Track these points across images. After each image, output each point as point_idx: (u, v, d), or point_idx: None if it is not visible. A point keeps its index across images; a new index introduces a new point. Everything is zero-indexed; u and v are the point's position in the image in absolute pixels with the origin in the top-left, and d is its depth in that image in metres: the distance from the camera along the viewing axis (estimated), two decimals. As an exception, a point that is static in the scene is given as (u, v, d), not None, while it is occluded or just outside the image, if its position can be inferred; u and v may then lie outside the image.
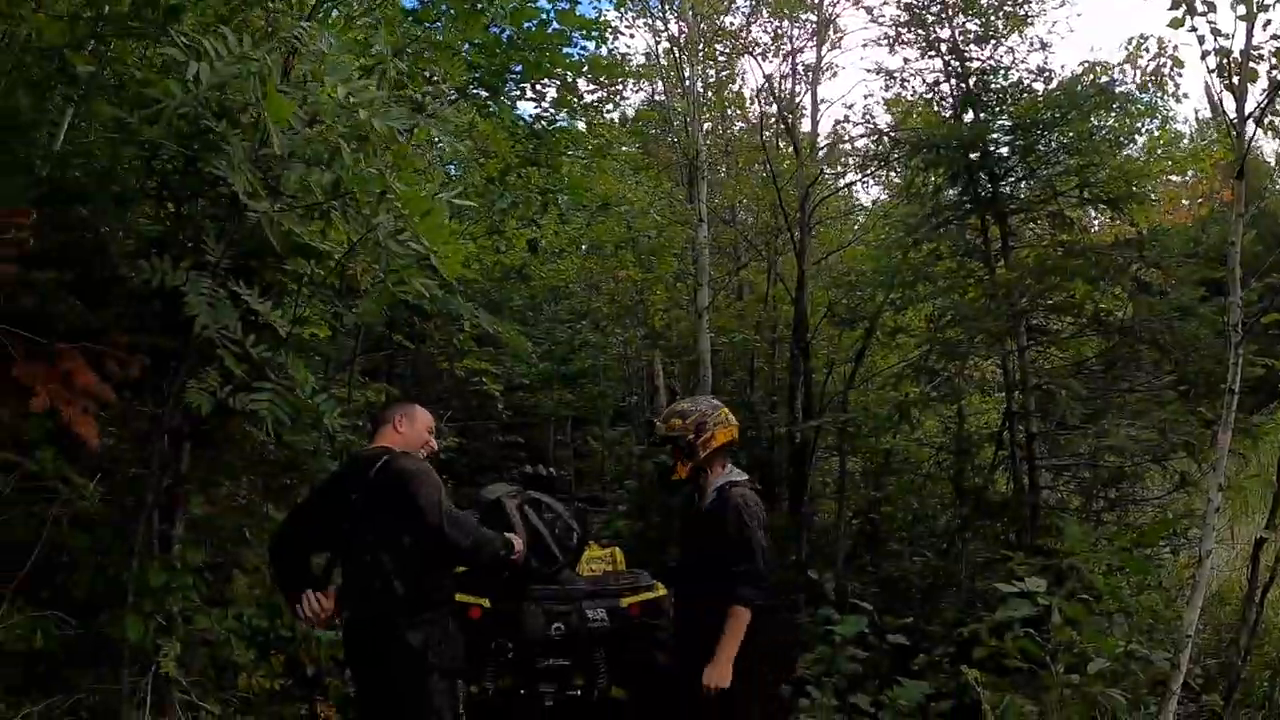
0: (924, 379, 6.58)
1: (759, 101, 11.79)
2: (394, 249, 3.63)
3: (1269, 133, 4.33)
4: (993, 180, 6.61)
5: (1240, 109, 4.07)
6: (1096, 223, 8.25)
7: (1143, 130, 7.21)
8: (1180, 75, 6.78)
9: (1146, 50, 6.72)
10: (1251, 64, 4.07)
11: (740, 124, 13.22)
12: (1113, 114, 6.59)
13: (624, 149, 11.03)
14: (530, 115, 7.73)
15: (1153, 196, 7.38)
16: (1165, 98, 6.92)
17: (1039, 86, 6.82)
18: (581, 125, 8.70)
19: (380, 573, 3.87)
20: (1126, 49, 6.50)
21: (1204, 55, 4.12)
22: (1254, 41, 4.04)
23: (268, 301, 3.98)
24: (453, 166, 7.41)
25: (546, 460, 9.15)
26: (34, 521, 4.18)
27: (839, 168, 10.47)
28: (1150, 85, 6.64)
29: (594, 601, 4.91)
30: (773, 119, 11.36)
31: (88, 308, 4.31)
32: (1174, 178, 8.88)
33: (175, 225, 4.42)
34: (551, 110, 7.70)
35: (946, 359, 6.50)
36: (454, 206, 3.85)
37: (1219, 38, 4.05)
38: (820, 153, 10.67)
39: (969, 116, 6.86)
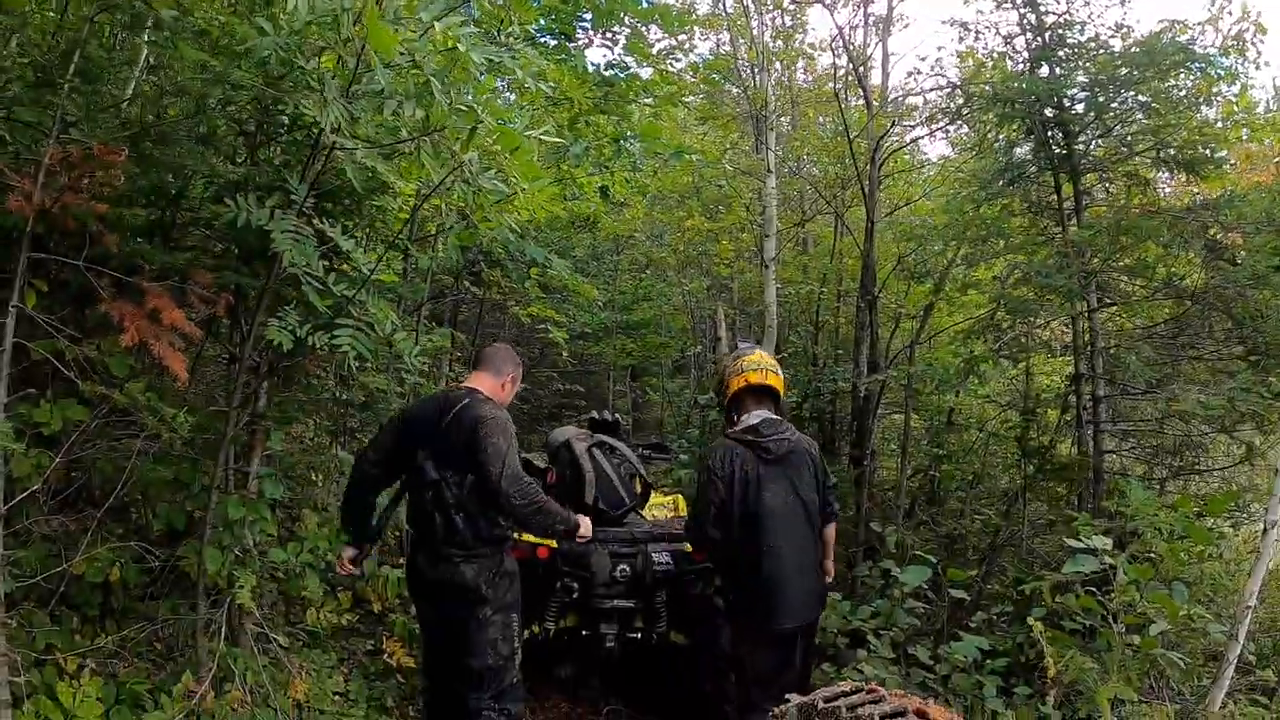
0: (991, 337, 6.53)
1: (831, 51, 11.63)
2: (484, 186, 3.67)
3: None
4: (1067, 137, 6.49)
5: None
6: (1169, 186, 8.06)
7: (1221, 96, 6.97)
8: (1262, 41, 6.60)
9: (1229, 13, 6.54)
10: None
11: (806, 76, 13.07)
12: (1192, 75, 6.40)
13: (691, 99, 10.94)
14: (601, 64, 7.74)
15: (1230, 161, 7.18)
16: (1246, 63, 6.71)
17: (1116, 43, 6.65)
18: (648, 74, 8.67)
19: (441, 508, 4.04)
20: (1209, 10, 6.32)
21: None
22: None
23: (349, 239, 4.07)
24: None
25: (608, 408, 9.26)
26: (117, 456, 4.34)
27: (910, 121, 10.32)
28: (1231, 49, 6.46)
29: (659, 546, 5.02)
30: (843, 70, 11.22)
31: (172, 248, 4.46)
32: (1252, 146, 8.57)
33: (254, 168, 4.53)
34: (623, 57, 7.69)
35: (1015, 317, 6.45)
36: (541, 144, 3.89)
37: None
38: (890, 105, 10.53)
39: (1044, 71, 6.72)
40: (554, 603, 5.03)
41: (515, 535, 4.37)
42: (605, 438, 5.36)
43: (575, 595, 5.00)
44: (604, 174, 6.75)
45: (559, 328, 9.46)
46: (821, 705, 3.36)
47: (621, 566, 4.94)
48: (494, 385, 4.22)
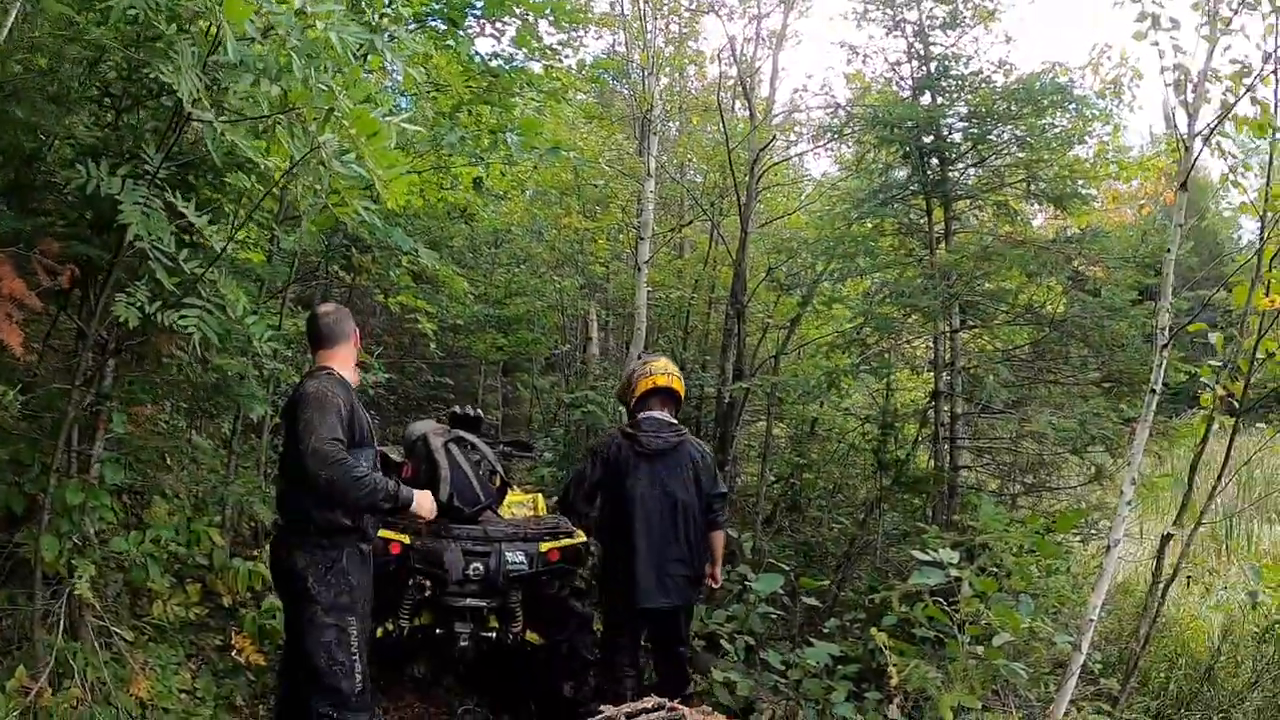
0: (855, 351, 6.68)
1: (719, 61, 11.74)
2: (337, 169, 3.53)
3: (1215, 152, 4.50)
4: (942, 164, 6.71)
5: (1191, 126, 4.23)
6: (1040, 217, 8.42)
7: (1095, 135, 7.34)
8: (1138, 87, 6.95)
9: (1108, 58, 6.85)
10: (1207, 84, 4.21)
11: (696, 83, 13.17)
12: (1068, 114, 6.69)
13: (579, 97, 10.88)
14: (487, 54, 7.60)
15: (1097, 199, 7.55)
16: (1121, 106, 7.06)
17: (998, 79, 6.91)
18: (538, 68, 8.58)
19: (280, 490, 3.97)
20: (1090, 55, 6.62)
21: (1163, 70, 4.30)
22: (1213, 64, 4.20)
23: (204, 216, 3.87)
24: (404, 100, 7.26)
25: (475, 403, 9.13)
26: (-53, 434, 4.04)
27: (792, 135, 10.50)
28: (1108, 93, 6.78)
29: (514, 545, 4.94)
30: (731, 80, 11.34)
31: (19, 213, 4.17)
32: (1120, 185, 9.06)
33: (115, 134, 4.27)
34: (509, 49, 7.58)
35: (879, 333, 6.61)
36: (402, 132, 3.78)
37: (1180, 55, 4.23)
38: (775, 119, 10.69)
39: (926, 99, 6.92)
40: (407, 600, 4.90)
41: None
42: (464, 433, 5.25)
43: (428, 593, 4.89)
44: (480, 165, 6.61)
45: (429, 319, 9.26)
46: (621, 721, 3.38)
47: (475, 565, 4.84)
48: (346, 354, 4.08)
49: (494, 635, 5.05)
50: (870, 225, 6.95)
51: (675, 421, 5.28)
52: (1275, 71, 4.24)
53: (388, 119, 3.55)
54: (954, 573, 4.45)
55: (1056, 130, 6.65)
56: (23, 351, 3.62)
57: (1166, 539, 4.92)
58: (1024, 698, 4.87)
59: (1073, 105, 6.57)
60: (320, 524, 3.82)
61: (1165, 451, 5.88)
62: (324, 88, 3.33)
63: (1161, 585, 4.96)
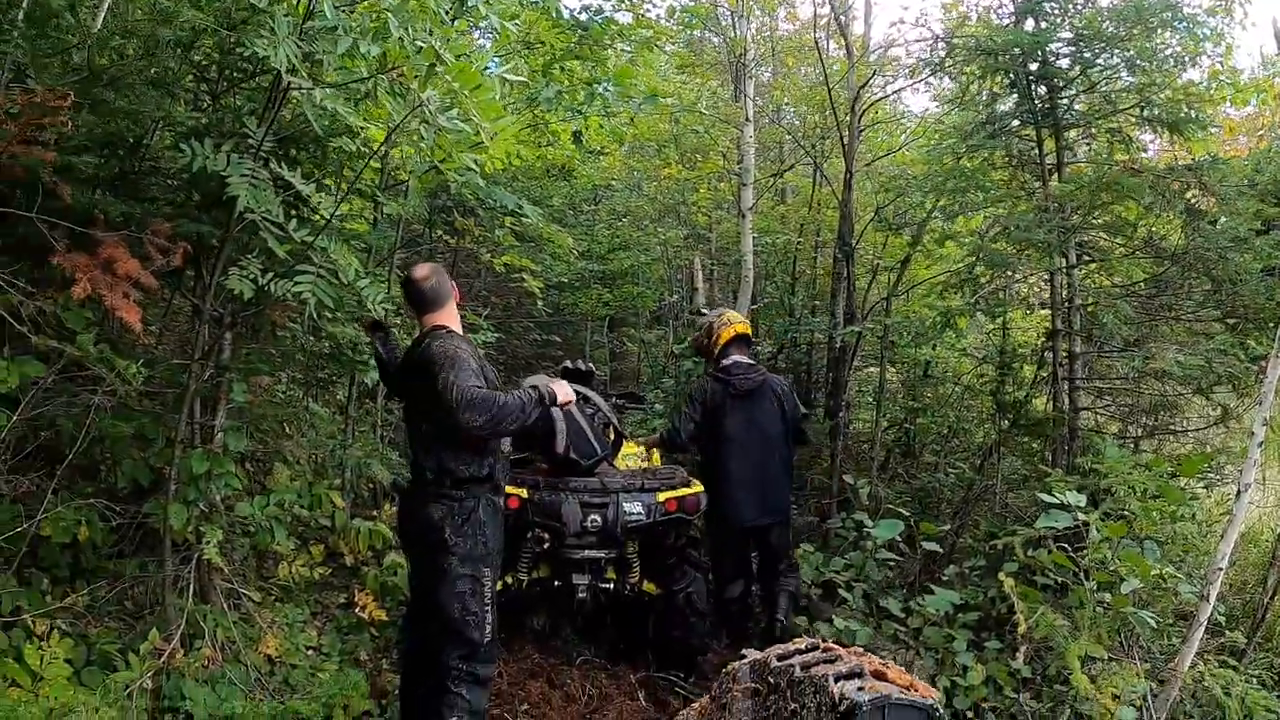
0: (968, 290, 6.47)
1: (811, 0, 11.42)
2: (443, 125, 3.56)
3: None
4: (1050, 92, 6.39)
5: None
6: (1154, 147, 7.99)
7: (1208, 56, 6.88)
8: (1250, 3, 6.50)
9: None
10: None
11: (788, 24, 12.87)
12: (1178, 34, 6.30)
13: (669, 47, 10.74)
14: (575, 7, 7.58)
15: (1216, 125, 7.11)
16: (1233, 24, 6.62)
17: (1103, -1, 6.54)
18: (627, 19, 8.49)
19: (414, 448, 4.05)
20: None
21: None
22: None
23: (311, 184, 3.95)
24: (493, 64, 7.30)
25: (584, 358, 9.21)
26: (76, 411, 4.27)
27: (891, 73, 10.17)
28: (1219, 9, 6.37)
29: (631, 496, 5.01)
30: (825, 19, 11.04)
31: (128, 198, 4.33)
32: (1232, 111, 8.53)
33: (215, 115, 4.38)
34: (600, 2, 7.51)
35: (993, 271, 6.40)
36: (503, 83, 3.78)
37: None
38: (873, 55, 10.37)
39: (1029, 25, 6.60)
40: (525, 554, 5.02)
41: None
42: (577, 387, 5.31)
43: (546, 546, 4.99)
44: (578, 119, 6.60)
45: (534, 277, 9.35)
46: (775, 664, 3.36)
47: (593, 516, 4.93)
48: (452, 311, 4.15)
49: (611, 586, 5.14)
50: (979, 159, 6.69)
51: (755, 362, 6.15)
52: None
53: (490, 70, 3.57)
54: (1080, 517, 4.34)
55: (1167, 52, 6.27)
56: (141, 330, 3.76)
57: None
58: (1147, 649, 4.71)
59: (1183, 24, 6.17)
60: (457, 475, 3.91)
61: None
62: (423, 44, 3.35)
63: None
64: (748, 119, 9.59)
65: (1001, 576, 4.52)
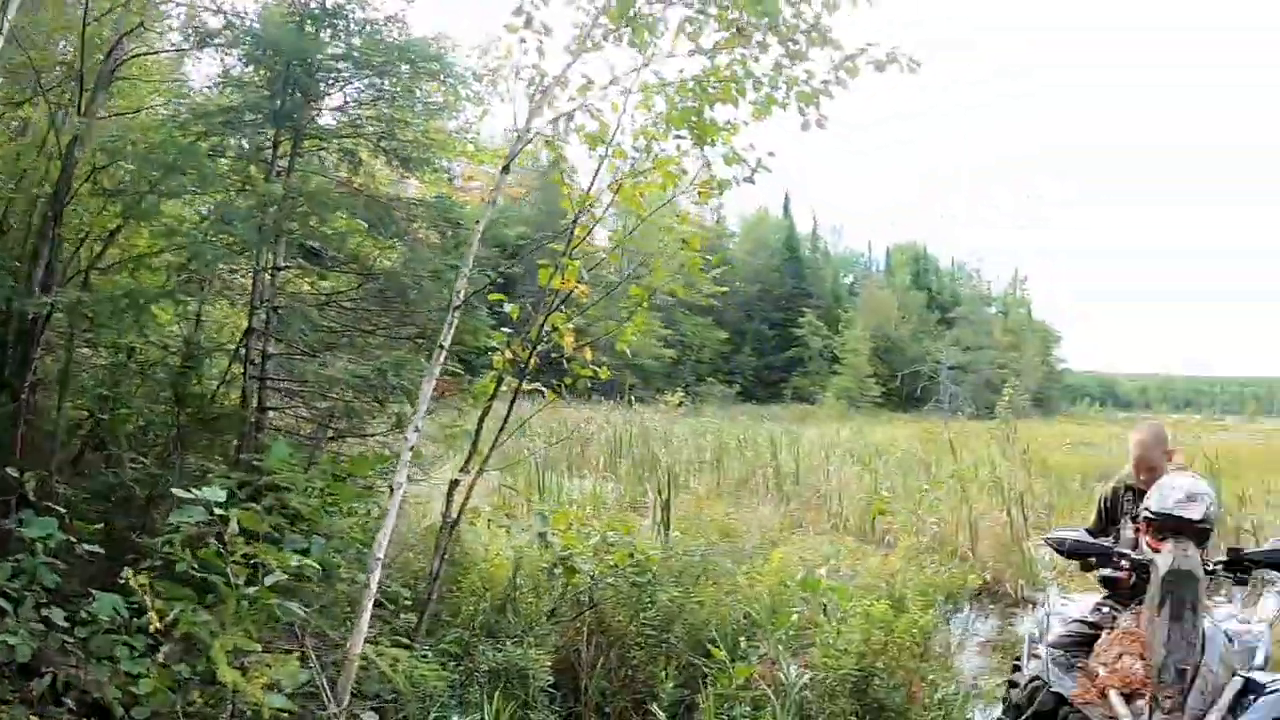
0: (175, 274, 6.13)
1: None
2: None
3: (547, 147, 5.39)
4: (305, 97, 6.43)
5: (529, 120, 5.02)
6: (396, 175, 8.51)
7: (465, 113, 7.62)
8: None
9: (496, 48, 7.14)
10: (557, 89, 4.99)
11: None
12: (443, 86, 6.81)
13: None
14: None
15: (453, 174, 7.81)
16: (494, 94, 7.39)
17: (392, 33, 6.80)
18: None
19: None
20: (484, 39, 6.81)
21: (517, 71, 5.11)
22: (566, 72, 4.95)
23: None
24: None
25: None
26: None
27: (160, 31, 9.38)
28: (486, 79, 7.07)
29: None
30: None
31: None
32: (471, 166, 9.58)
33: None
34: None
35: (201, 260, 6.16)
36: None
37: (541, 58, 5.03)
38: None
39: (309, 28, 6.61)
40: None
41: None
42: None
43: None
44: None
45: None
46: None
47: None
48: None
49: None
50: (214, 142, 6.45)
51: None
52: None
53: None
54: (219, 512, 4.24)
55: (430, 99, 6.74)
56: None
57: (454, 484, 5.23)
58: (330, 638, 4.87)
59: (450, 79, 6.71)
60: None
61: (471, 407, 6.23)
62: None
63: (450, 526, 5.27)
64: (-1, 31, 8.07)
65: (128, 573, 4.25)
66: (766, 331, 70.91)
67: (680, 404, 23.33)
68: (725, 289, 61.98)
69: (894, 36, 5.11)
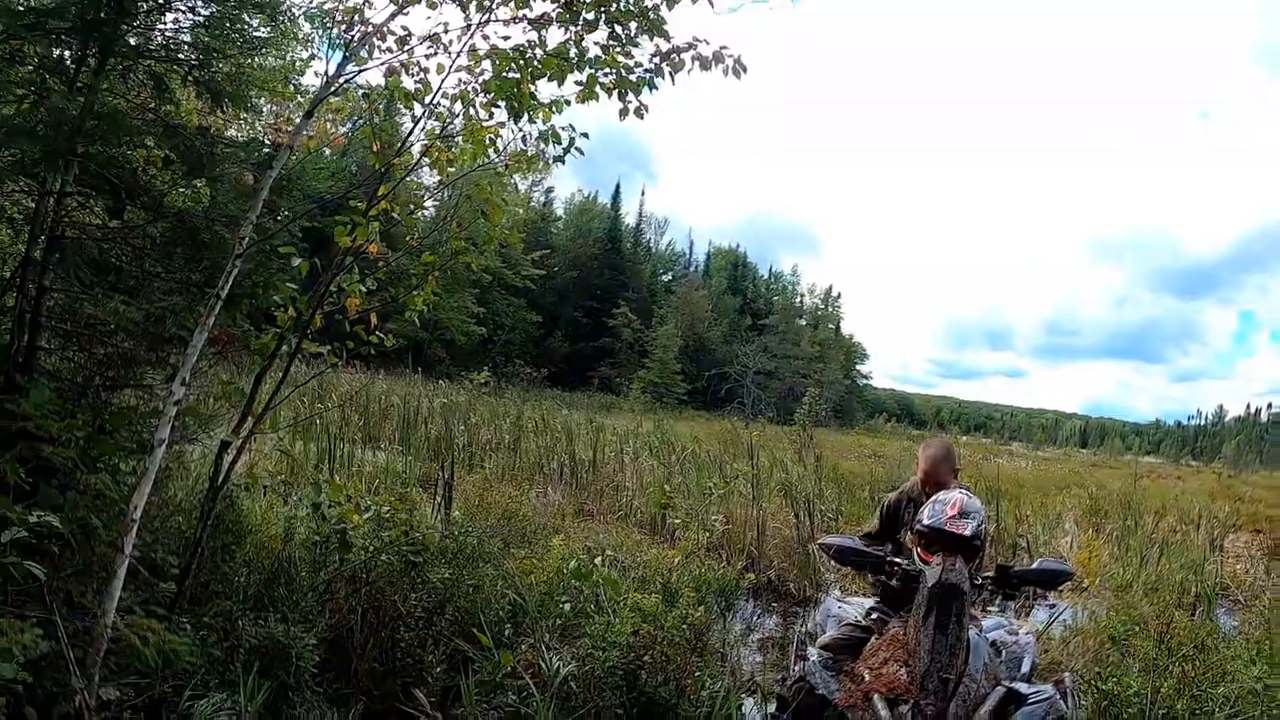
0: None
1: None
2: None
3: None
4: (119, 9, 5.89)
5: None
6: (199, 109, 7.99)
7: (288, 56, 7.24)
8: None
9: None
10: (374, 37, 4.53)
11: None
12: (271, 22, 6.44)
13: None
14: None
15: (265, 110, 7.40)
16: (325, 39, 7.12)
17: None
18: None
19: None
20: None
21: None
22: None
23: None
24: None
25: None
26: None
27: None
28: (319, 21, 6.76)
29: None
30: None
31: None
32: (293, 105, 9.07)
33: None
34: None
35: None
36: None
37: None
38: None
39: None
40: None
41: None
42: None
43: None
44: None
45: None
46: None
47: None
48: None
49: None
50: (11, 46, 5.83)
51: None
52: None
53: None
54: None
55: (255, 33, 6.34)
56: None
57: (224, 445, 4.95)
58: (87, 606, 4.48)
59: (279, 15, 6.35)
60: None
61: (253, 366, 5.89)
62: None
63: (215, 490, 4.98)
64: None
65: None
66: (580, 319, 71.30)
67: (486, 382, 23.04)
68: (543, 272, 62.18)
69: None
